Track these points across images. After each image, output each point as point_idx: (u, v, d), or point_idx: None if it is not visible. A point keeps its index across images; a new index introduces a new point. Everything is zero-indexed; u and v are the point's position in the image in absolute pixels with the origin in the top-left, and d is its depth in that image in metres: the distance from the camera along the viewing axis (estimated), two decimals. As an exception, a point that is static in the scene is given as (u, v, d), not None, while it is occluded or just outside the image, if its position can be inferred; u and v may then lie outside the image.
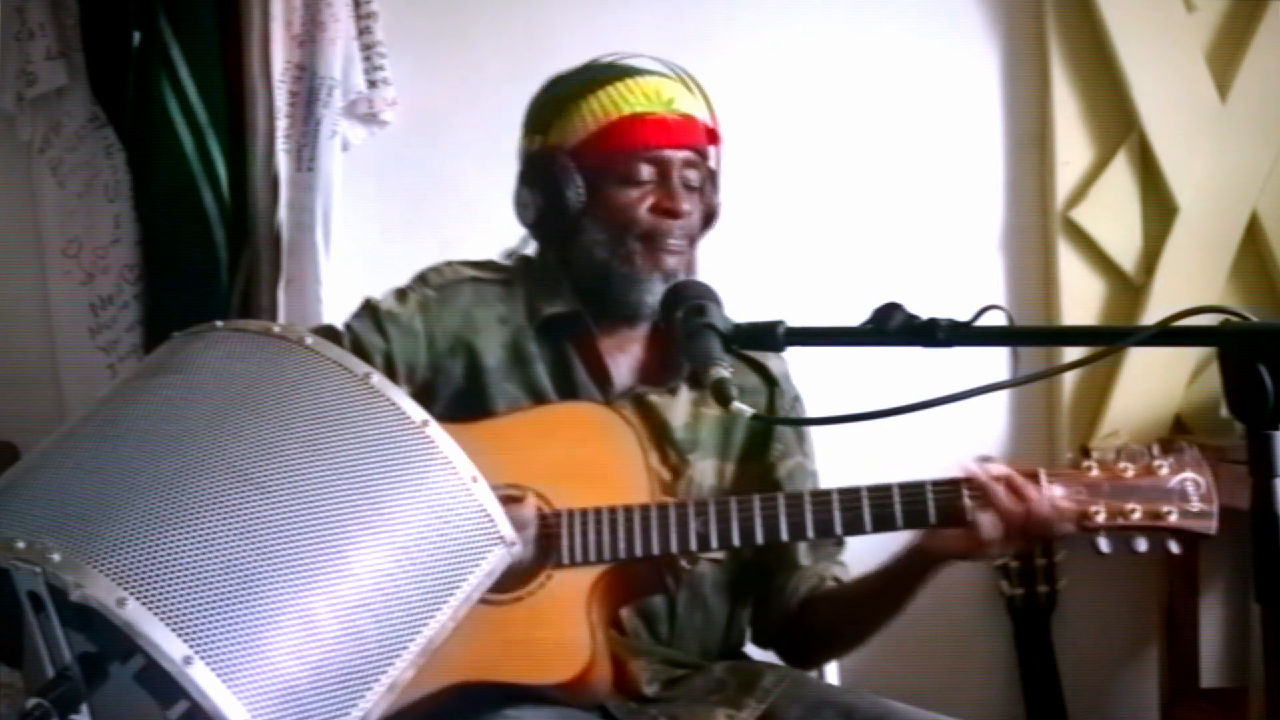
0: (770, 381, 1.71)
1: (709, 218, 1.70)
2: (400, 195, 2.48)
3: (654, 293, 1.60)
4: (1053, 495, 1.46)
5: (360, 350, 1.58)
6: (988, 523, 1.45)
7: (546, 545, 1.48)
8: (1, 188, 2.44)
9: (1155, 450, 1.48)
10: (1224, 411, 1.06)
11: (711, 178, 1.70)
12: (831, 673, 1.81)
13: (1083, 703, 2.54)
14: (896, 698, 1.57)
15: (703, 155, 1.67)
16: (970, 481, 1.47)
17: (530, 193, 1.66)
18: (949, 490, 1.47)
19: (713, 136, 1.69)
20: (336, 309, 1.70)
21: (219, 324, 1.18)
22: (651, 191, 1.62)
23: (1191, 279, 2.54)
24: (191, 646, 0.92)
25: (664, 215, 1.62)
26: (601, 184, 1.63)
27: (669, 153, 1.63)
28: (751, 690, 1.56)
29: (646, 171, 1.62)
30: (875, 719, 1.52)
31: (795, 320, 1.30)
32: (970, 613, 2.59)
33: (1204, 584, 2.56)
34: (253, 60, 2.36)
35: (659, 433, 1.63)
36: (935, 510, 1.47)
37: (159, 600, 0.93)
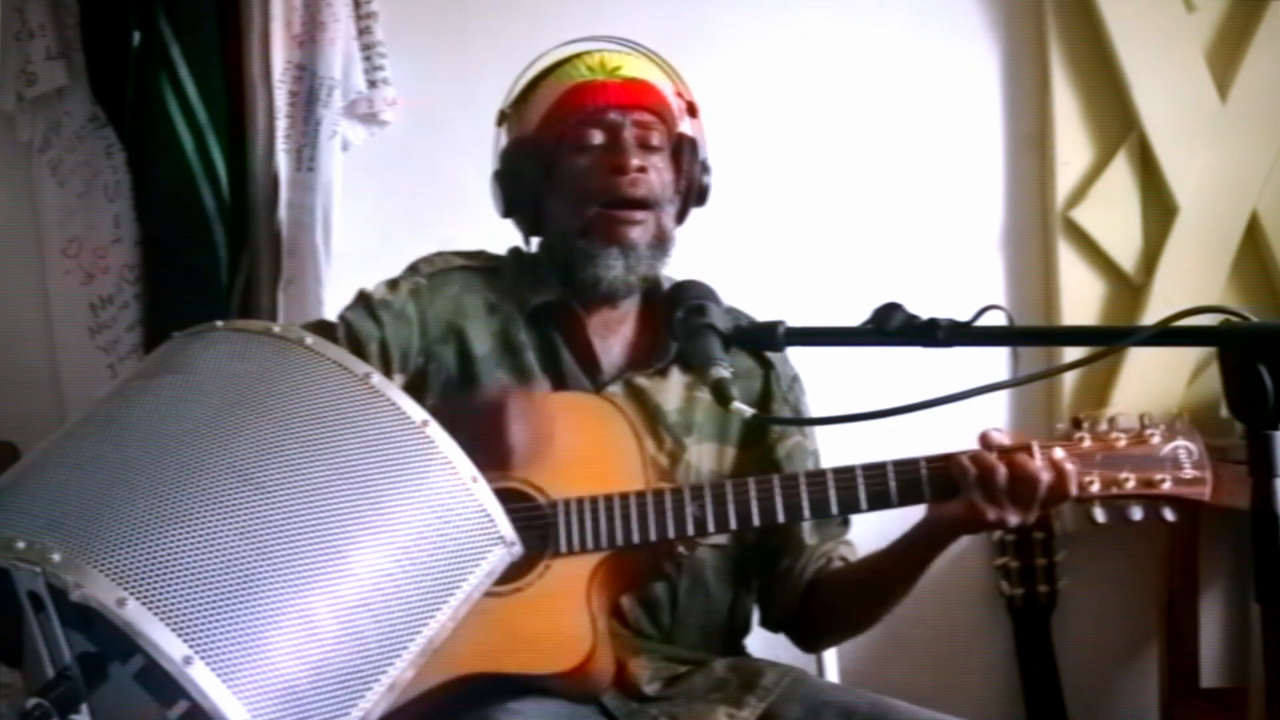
0: (765, 364, 1.71)
1: (690, 190, 1.70)
2: (400, 195, 2.48)
3: (612, 267, 1.62)
4: (1056, 458, 1.46)
5: (355, 338, 1.59)
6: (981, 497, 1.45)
7: (544, 535, 1.48)
8: (1, 188, 2.43)
9: (1146, 420, 1.51)
10: (1224, 411, 1.06)
11: (692, 147, 1.69)
12: (832, 672, 1.81)
13: (1083, 703, 2.54)
14: (896, 697, 1.57)
15: (662, 117, 1.67)
16: (970, 455, 1.47)
17: (496, 185, 1.71)
18: (942, 465, 1.47)
19: (691, 109, 1.71)
20: (337, 309, 1.70)
21: (219, 324, 1.18)
22: (604, 156, 1.63)
23: (1191, 279, 2.54)
24: (191, 646, 0.92)
25: (614, 173, 1.62)
26: (557, 158, 1.64)
27: (615, 114, 1.64)
28: (752, 689, 1.55)
29: (596, 136, 1.63)
30: (875, 718, 1.51)
31: (795, 320, 1.30)
32: (970, 613, 2.58)
33: (1204, 584, 2.56)
34: (253, 60, 2.36)
35: (651, 417, 1.63)
36: (929, 485, 1.48)
37: (159, 600, 0.93)
